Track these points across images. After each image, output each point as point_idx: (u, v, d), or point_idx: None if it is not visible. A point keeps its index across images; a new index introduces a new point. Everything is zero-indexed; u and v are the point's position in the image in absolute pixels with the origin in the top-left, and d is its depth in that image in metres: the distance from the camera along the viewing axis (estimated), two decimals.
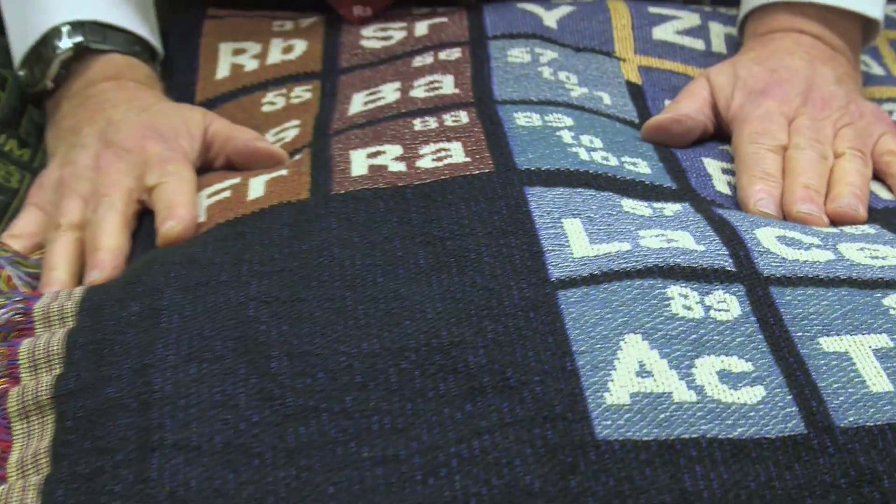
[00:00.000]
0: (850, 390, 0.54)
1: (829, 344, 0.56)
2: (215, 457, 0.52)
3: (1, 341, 0.62)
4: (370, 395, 0.54)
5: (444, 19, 0.90)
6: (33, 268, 0.70)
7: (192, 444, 0.52)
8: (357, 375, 0.55)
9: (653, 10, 0.92)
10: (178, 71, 0.89)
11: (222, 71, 0.89)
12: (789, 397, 0.53)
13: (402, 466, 0.51)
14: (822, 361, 0.55)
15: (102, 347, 0.58)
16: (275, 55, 0.89)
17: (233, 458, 0.52)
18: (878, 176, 0.75)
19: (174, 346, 0.57)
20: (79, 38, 0.82)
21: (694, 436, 0.51)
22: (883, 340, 0.56)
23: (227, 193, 0.71)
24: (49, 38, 0.82)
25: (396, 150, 0.72)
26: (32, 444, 0.56)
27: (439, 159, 0.70)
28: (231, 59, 0.89)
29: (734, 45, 0.89)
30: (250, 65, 0.88)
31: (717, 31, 0.92)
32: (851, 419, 0.52)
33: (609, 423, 0.51)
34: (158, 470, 0.51)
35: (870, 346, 0.56)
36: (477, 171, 0.68)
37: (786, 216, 0.70)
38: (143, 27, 0.86)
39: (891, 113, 0.83)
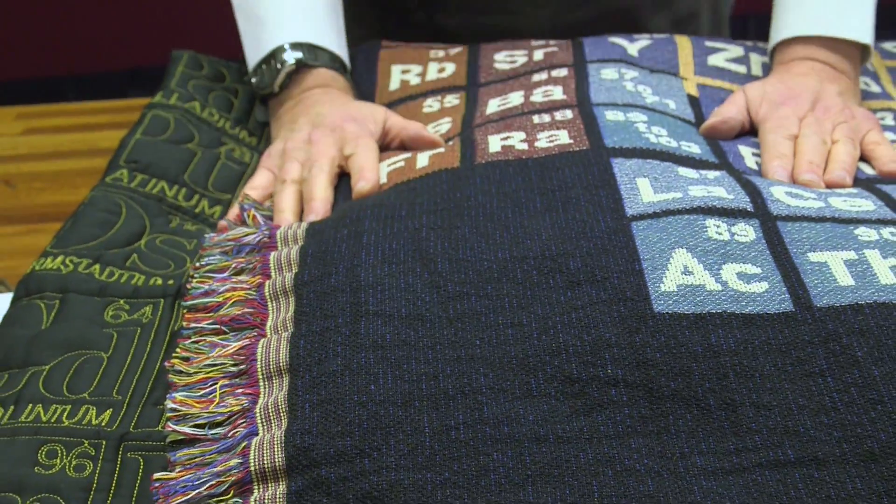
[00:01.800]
0: (825, 284, 0.60)
1: (814, 257, 0.62)
2: (402, 321, 0.59)
3: (256, 253, 0.71)
4: (503, 285, 0.61)
5: (555, 49, 0.94)
6: (267, 211, 0.78)
7: (387, 313, 0.60)
8: (494, 273, 0.62)
9: (708, 43, 0.95)
10: (362, 83, 0.95)
11: (394, 84, 0.94)
12: (784, 288, 0.59)
13: (525, 328, 0.58)
14: (809, 267, 0.61)
15: (325, 255, 0.66)
16: (432, 74, 0.94)
17: (413, 322, 0.59)
18: (864, 158, 0.80)
19: (373, 254, 0.64)
20: (299, 55, 0.88)
21: (718, 311, 0.57)
22: (851, 255, 0.62)
23: (401, 164, 0.78)
24: (276, 53, 0.88)
25: (521, 135, 0.77)
26: (281, 314, 0.64)
27: (551, 141, 0.76)
28: (400, 76, 0.95)
29: (768, 70, 0.91)
30: (414, 80, 0.94)
31: (756, 60, 0.94)
32: (825, 301, 0.58)
33: (662, 302, 0.58)
34: (365, 328, 0.59)
35: (841, 259, 0.62)
36: (577, 149, 0.73)
37: (794, 183, 0.74)
38: (342, 50, 0.92)
39: (882, 119, 0.86)
